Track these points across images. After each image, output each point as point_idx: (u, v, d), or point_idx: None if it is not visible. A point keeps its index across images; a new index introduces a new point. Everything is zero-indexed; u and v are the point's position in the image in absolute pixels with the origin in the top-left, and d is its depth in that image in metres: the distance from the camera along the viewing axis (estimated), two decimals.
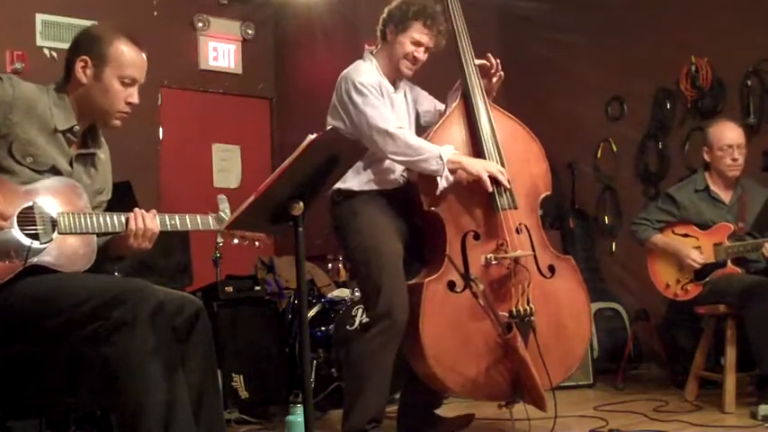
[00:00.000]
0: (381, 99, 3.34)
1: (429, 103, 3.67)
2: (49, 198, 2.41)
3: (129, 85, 2.57)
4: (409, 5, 3.40)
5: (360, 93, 3.31)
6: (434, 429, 3.56)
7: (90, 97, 2.55)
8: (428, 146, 3.29)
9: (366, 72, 3.39)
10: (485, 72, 3.53)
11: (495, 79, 3.54)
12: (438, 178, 3.27)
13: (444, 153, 3.26)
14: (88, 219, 2.44)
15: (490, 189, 3.30)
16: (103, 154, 2.69)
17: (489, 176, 3.29)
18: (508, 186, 3.35)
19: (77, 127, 2.55)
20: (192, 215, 2.64)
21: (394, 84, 3.50)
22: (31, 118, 2.44)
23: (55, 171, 2.48)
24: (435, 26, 3.41)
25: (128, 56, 2.56)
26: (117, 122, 2.61)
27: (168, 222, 2.59)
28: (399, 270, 3.32)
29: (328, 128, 3.39)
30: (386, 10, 3.48)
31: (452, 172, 3.27)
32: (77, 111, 2.55)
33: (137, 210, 2.53)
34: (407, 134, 3.31)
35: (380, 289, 3.27)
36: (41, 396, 2.52)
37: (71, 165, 2.54)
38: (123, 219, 2.51)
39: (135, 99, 2.59)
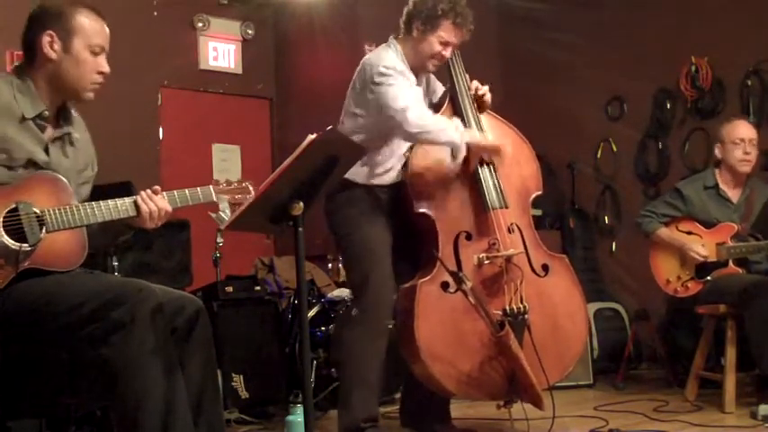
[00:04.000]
0: (406, 82, 3.32)
1: (441, 93, 3.66)
2: (31, 196, 2.35)
3: (99, 54, 2.51)
4: (438, 3, 3.32)
5: (384, 75, 3.28)
6: (445, 427, 3.56)
7: (61, 72, 2.48)
8: (446, 123, 3.31)
9: (391, 58, 3.36)
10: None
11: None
12: (449, 160, 3.29)
13: (461, 133, 3.29)
14: (75, 212, 2.38)
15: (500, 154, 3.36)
16: (78, 132, 2.62)
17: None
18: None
19: (47, 112, 2.48)
20: (193, 188, 2.58)
21: (416, 74, 3.47)
22: None
23: (32, 163, 2.42)
24: (465, 25, 3.36)
25: (93, 25, 2.51)
26: (90, 95, 2.54)
27: (178, 199, 2.53)
28: (387, 266, 3.35)
29: (345, 105, 3.41)
30: (412, 2, 3.40)
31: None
32: (47, 92, 2.48)
33: (142, 193, 2.47)
34: (427, 113, 3.32)
35: (367, 283, 3.31)
36: (41, 396, 2.52)
37: (47, 151, 2.47)
38: (128, 204, 2.44)
39: (106, 68, 2.53)
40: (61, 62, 2.48)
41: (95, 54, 2.51)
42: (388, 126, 3.30)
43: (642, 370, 5.53)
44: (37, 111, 2.46)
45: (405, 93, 3.28)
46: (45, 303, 2.31)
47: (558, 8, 6.16)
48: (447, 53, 3.39)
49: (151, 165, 6.11)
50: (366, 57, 3.44)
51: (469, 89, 3.50)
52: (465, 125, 3.42)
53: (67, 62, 2.48)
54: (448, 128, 3.29)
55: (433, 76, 3.65)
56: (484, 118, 3.51)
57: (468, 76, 3.53)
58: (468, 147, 3.31)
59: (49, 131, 2.51)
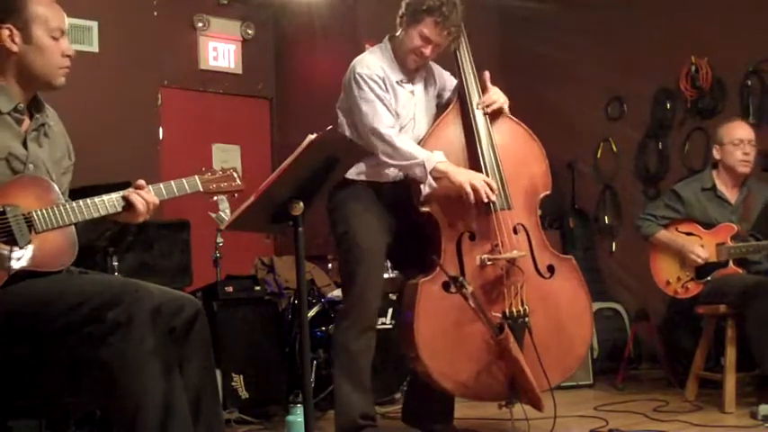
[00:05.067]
0: (381, 93, 3.32)
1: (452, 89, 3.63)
2: (17, 199, 2.34)
3: (60, 37, 2.48)
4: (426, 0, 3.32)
5: (358, 86, 3.32)
6: (445, 427, 3.56)
7: (27, 64, 2.45)
8: (414, 151, 3.27)
9: (371, 63, 3.37)
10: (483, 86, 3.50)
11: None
12: (421, 184, 3.27)
13: (429, 162, 3.24)
14: (63, 211, 2.37)
15: (472, 200, 3.26)
16: (52, 120, 2.60)
17: (473, 188, 3.25)
18: (494, 200, 3.31)
19: (21, 104, 2.46)
20: (178, 179, 2.61)
21: (415, 71, 3.46)
22: None
23: (12, 158, 2.40)
24: (447, 26, 3.33)
25: (49, 10, 2.48)
26: (62, 80, 2.51)
27: (164, 191, 2.56)
28: (377, 265, 3.38)
29: (339, 100, 3.41)
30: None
31: (436, 180, 3.26)
32: (17, 84, 2.46)
33: (130, 190, 2.48)
34: (395, 137, 3.28)
35: (355, 280, 3.33)
36: (41, 396, 2.51)
37: (25, 146, 2.45)
38: (115, 200, 2.46)
39: (71, 50, 2.51)
40: (26, 54, 2.45)
41: (56, 39, 2.48)
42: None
43: (642, 370, 5.53)
44: (12, 104, 2.45)
45: (376, 113, 3.28)
46: (43, 304, 2.30)
47: (558, 8, 6.16)
48: (427, 51, 3.37)
49: (151, 165, 6.11)
50: (355, 58, 3.44)
51: (479, 87, 3.48)
52: (473, 129, 3.41)
53: (32, 53, 2.45)
54: (413, 165, 3.26)
55: (446, 73, 3.62)
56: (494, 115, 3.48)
57: (478, 83, 3.50)
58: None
59: (26, 123, 2.50)
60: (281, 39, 6.97)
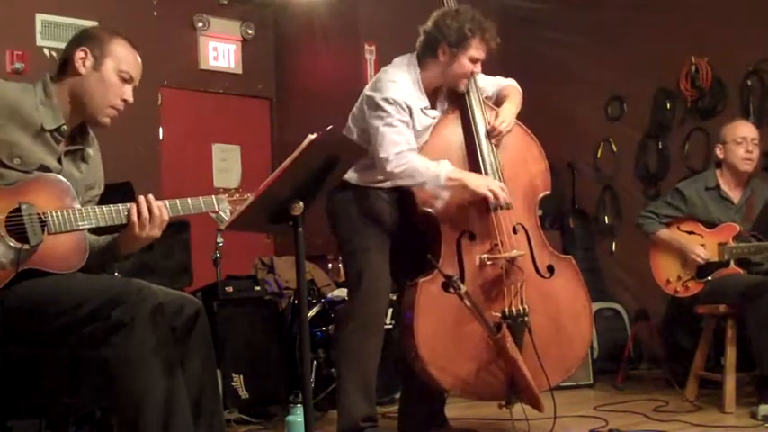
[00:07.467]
0: (402, 116, 3.26)
1: (490, 87, 3.60)
2: (35, 198, 2.37)
3: (127, 81, 2.57)
4: (463, 23, 3.28)
5: (381, 108, 3.25)
6: (441, 429, 3.56)
7: (85, 88, 2.52)
8: (425, 169, 3.23)
9: (398, 86, 3.30)
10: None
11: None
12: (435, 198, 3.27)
13: (442, 174, 3.22)
14: (77, 215, 2.39)
15: (492, 202, 3.28)
16: (93, 150, 2.65)
17: (492, 192, 3.26)
18: (508, 201, 3.32)
19: (65, 126, 2.51)
20: (195, 197, 2.60)
21: (435, 93, 3.43)
22: (15, 119, 2.41)
23: (44, 170, 2.44)
24: (493, 39, 3.34)
25: (127, 54, 2.58)
26: (107, 119, 2.57)
27: (180, 207, 2.55)
28: (382, 267, 3.36)
29: (355, 106, 3.40)
30: (432, 23, 3.35)
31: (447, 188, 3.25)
32: (68, 107, 2.52)
33: (141, 198, 2.48)
34: (403, 163, 3.22)
35: (360, 283, 3.32)
36: (41, 396, 2.52)
37: (60, 162, 2.49)
38: (122, 210, 2.46)
39: (130, 97, 2.58)
40: (88, 78, 2.53)
41: (123, 80, 2.56)
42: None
43: (642, 370, 5.53)
44: (57, 124, 2.49)
45: (391, 138, 3.22)
46: (45, 303, 2.31)
47: (558, 8, 6.16)
48: (478, 69, 3.38)
49: (151, 165, 6.12)
50: (384, 71, 3.40)
51: (477, 87, 3.46)
52: (472, 130, 3.40)
53: (94, 79, 2.53)
54: (427, 181, 3.23)
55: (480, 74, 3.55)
56: (492, 115, 3.46)
57: (476, 81, 3.49)
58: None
59: (63, 145, 2.53)
60: (281, 39, 6.97)
